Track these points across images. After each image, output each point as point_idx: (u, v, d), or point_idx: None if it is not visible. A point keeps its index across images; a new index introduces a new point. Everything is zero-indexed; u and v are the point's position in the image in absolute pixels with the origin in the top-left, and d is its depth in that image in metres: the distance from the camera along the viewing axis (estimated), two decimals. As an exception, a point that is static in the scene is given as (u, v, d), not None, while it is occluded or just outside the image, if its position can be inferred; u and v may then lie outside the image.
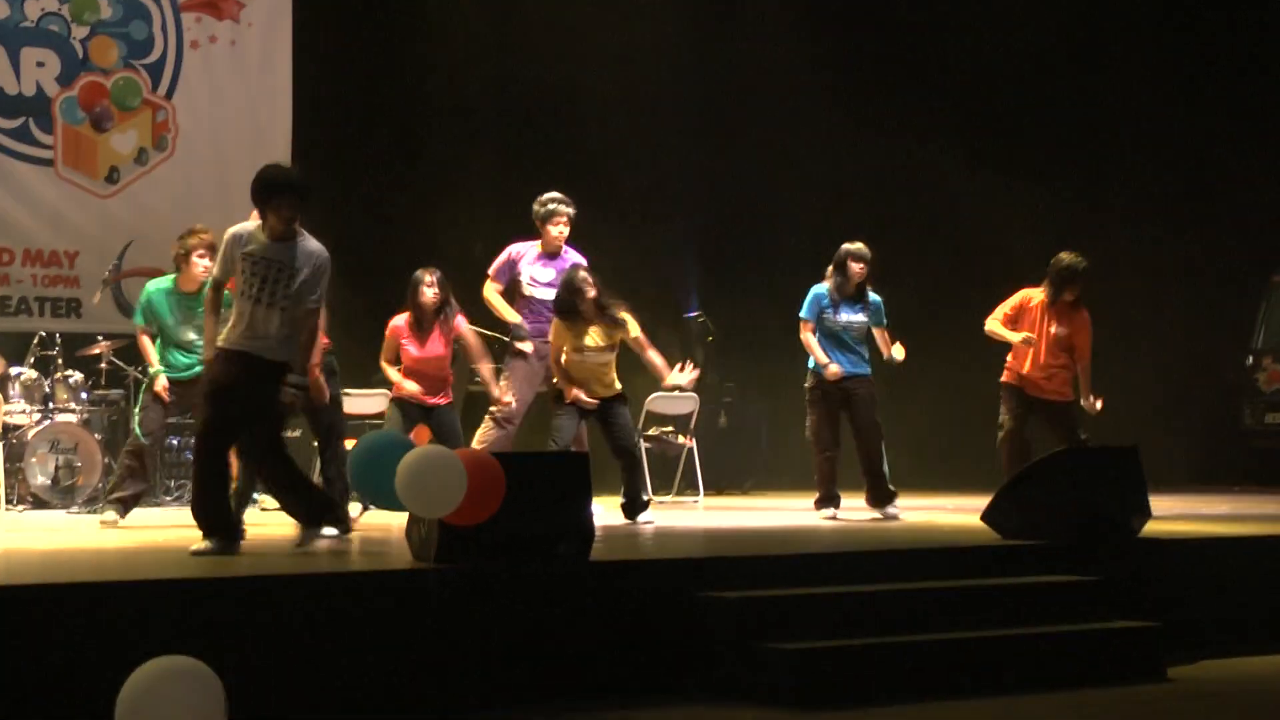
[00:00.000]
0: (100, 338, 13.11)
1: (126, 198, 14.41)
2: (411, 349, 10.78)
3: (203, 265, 10.39)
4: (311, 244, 8.61)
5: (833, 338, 11.46)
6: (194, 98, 14.65)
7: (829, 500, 11.51)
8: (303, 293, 8.48)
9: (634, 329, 10.77)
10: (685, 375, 10.84)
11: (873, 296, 11.57)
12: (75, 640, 6.48)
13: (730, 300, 16.30)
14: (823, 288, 11.52)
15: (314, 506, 8.76)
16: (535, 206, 11.26)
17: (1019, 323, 11.40)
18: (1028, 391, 11.41)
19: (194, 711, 5.25)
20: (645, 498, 11.04)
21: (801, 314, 11.54)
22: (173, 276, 10.74)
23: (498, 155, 15.57)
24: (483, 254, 11.94)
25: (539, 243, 11.27)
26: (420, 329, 10.77)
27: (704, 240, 16.56)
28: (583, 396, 10.64)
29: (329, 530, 9.24)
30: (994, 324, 11.47)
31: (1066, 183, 16.97)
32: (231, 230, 8.74)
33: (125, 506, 10.58)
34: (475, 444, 10.71)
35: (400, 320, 10.83)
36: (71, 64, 14.26)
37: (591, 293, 10.60)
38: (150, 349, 10.77)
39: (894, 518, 11.23)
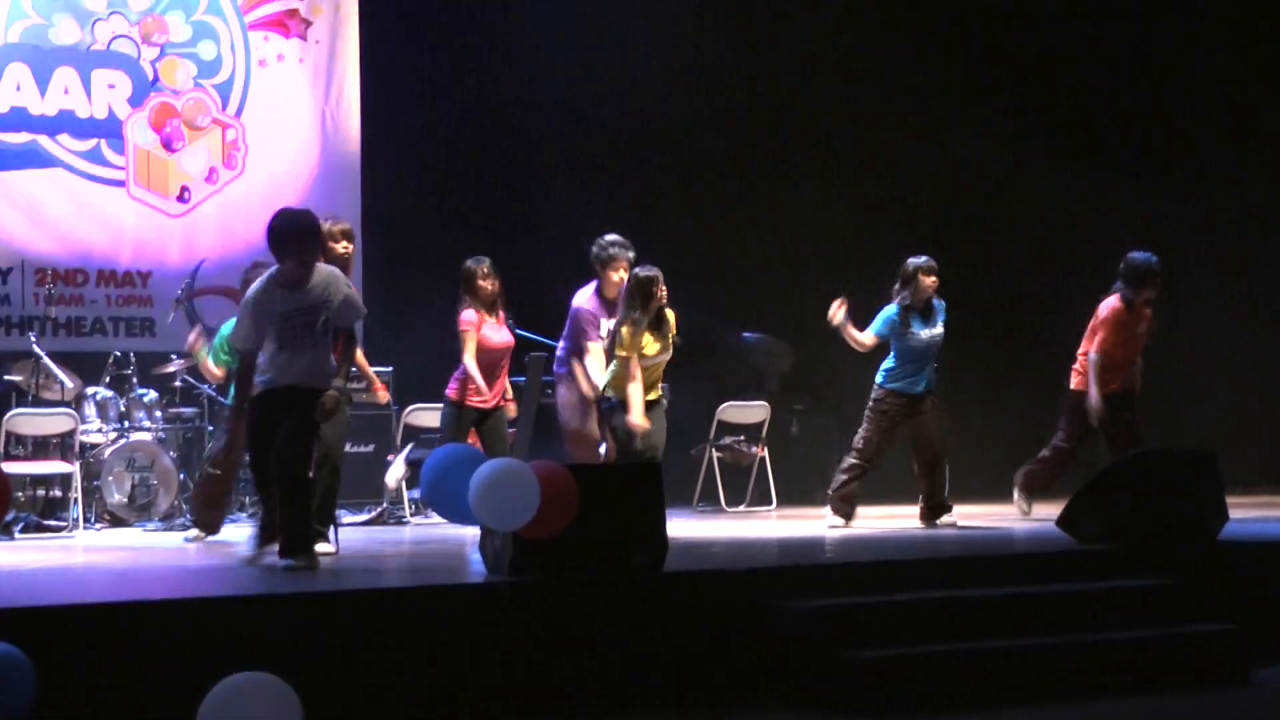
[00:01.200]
0: (174, 356, 13.19)
1: (198, 217, 14.50)
2: (492, 336, 10.63)
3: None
4: (323, 270, 8.68)
5: (916, 357, 11.25)
6: (263, 115, 14.72)
7: (845, 514, 11.38)
8: (348, 317, 8.67)
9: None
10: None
11: (938, 302, 11.40)
12: (153, 657, 6.52)
13: (801, 310, 16.24)
14: (893, 310, 11.28)
15: (296, 538, 8.57)
16: (594, 249, 10.90)
17: (1123, 335, 11.27)
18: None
19: None
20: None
21: (872, 329, 11.34)
22: None
23: (569, 171, 15.57)
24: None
25: (593, 289, 10.96)
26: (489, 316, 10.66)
27: (769, 254, 16.47)
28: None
29: (324, 547, 9.25)
30: (1094, 368, 11.24)
31: (1150, 181, 16.81)
32: (250, 296, 8.76)
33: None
34: None
35: (470, 313, 10.66)
36: (142, 85, 14.36)
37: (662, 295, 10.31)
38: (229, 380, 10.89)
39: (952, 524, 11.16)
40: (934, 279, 11.24)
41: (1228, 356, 16.30)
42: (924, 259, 11.28)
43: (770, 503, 13.68)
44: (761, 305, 15.93)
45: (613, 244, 10.82)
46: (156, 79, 14.42)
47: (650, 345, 10.27)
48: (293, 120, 14.81)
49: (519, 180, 15.44)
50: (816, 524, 11.80)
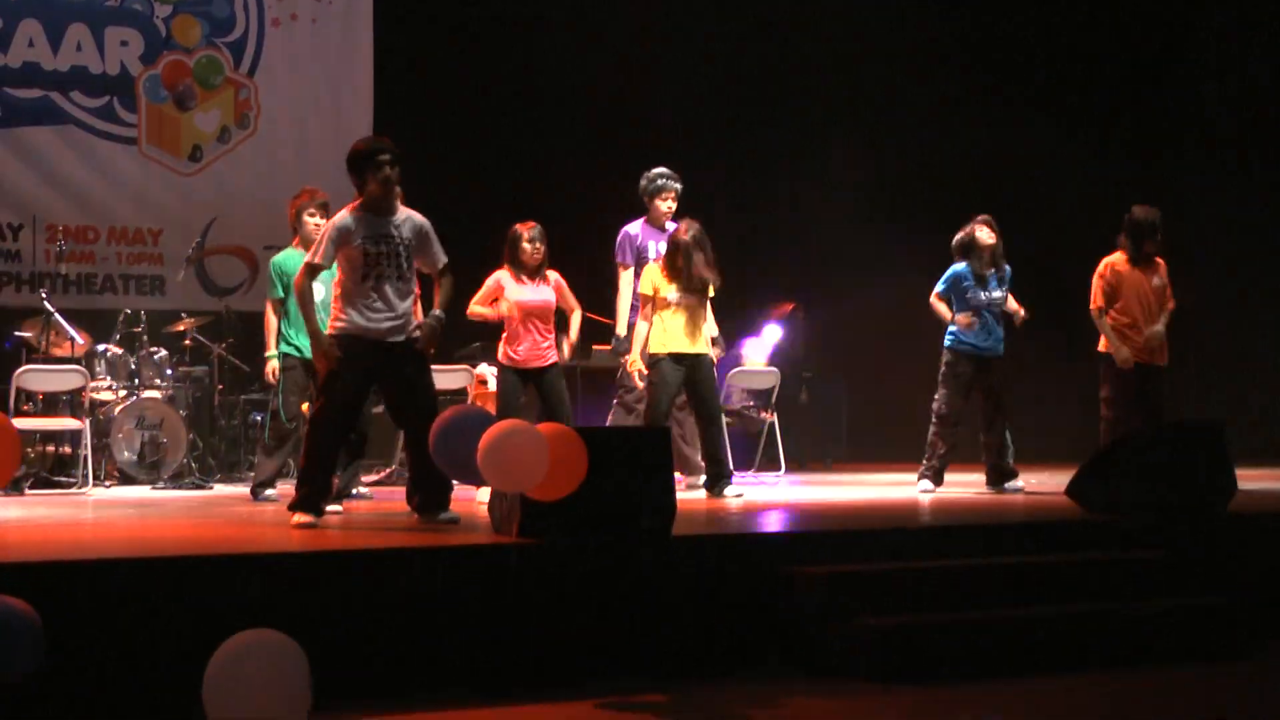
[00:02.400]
0: (184, 315, 13.22)
1: (209, 176, 14.51)
2: (525, 295, 10.61)
3: (312, 224, 10.43)
4: (407, 212, 8.74)
5: (977, 316, 11.28)
6: (276, 76, 14.72)
7: (934, 475, 11.38)
8: (433, 255, 8.73)
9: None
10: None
11: (1007, 268, 11.42)
12: (162, 614, 6.53)
13: (810, 281, 16.28)
14: (962, 266, 11.32)
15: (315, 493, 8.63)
16: (643, 181, 11.30)
17: (1120, 290, 11.25)
18: (1130, 357, 11.31)
19: (279, 684, 5.28)
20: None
21: (937, 288, 11.35)
22: (293, 247, 10.74)
23: (580, 135, 15.57)
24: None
25: (643, 220, 11.29)
26: (521, 278, 10.67)
27: (782, 224, 16.48)
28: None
29: (333, 506, 9.32)
30: (1104, 321, 11.29)
31: (1153, 145, 16.81)
32: (336, 218, 8.67)
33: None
34: None
35: (500, 274, 10.69)
36: (154, 43, 14.37)
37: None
38: (272, 331, 10.72)
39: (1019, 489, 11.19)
40: (991, 232, 11.26)
41: (1238, 328, 16.30)
42: (982, 216, 11.32)
43: (779, 468, 13.69)
44: (779, 273, 15.97)
45: (659, 174, 11.30)
46: (169, 36, 14.41)
47: (666, 288, 10.50)
48: (306, 80, 14.80)
49: (532, 148, 15.44)
50: (824, 489, 11.81)
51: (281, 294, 10.57)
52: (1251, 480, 10.01)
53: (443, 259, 8.79)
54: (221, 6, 14.56)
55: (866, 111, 16.51)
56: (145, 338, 12.83)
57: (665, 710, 6.78)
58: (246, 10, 14.63)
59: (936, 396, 11.37)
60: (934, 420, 11.36)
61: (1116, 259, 11.30)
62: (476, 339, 12.26)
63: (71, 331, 12.38)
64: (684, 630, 7.49)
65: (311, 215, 10.49)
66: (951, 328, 11.28)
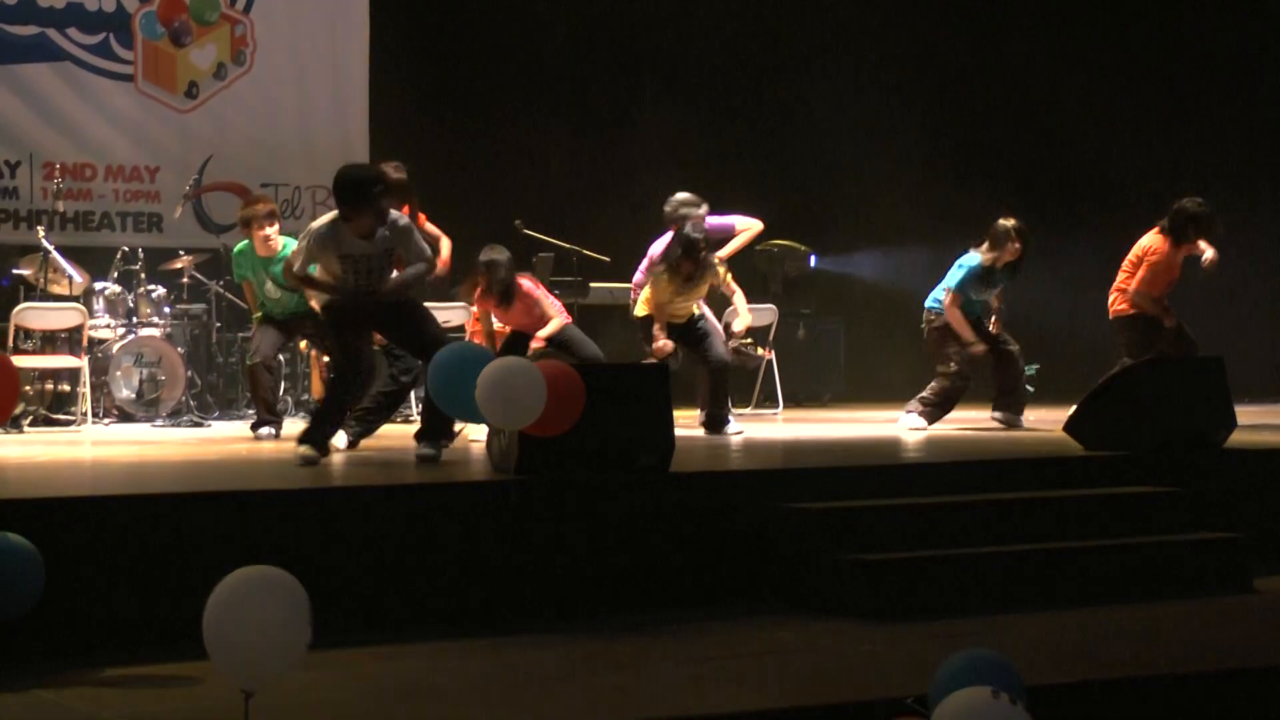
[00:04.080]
0: (181, 252, 13.20)
1: (206, 112, 14.47)
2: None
3: (264, 235, 10.83)
4: (392, 219, 8.81)
5: (973, 305, 11.37)
6: (272, 12, 14.66)
7: (930, 415, 11.42)
8: (410, 253, 8.89)
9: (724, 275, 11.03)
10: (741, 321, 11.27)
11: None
12: (162, 550, 6.56)
13: (810, 224, 16.29)
14: (976, 259, 11.31)
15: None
16: (666, 209, 11.55)
17: (1171, 274, 11.28)
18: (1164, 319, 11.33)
19: (280, 620, 5.29)
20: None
21: (952, 286, 11.32)
22: (246, 241, 11.14)
23: (580, 58, 15.55)
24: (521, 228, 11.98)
25: (667, 239, 11.43)
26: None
27: (786, 175, 16.47)
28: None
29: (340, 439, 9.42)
30: (1152, 304, 11.27)
31: (1160, 97, 16.79)
32: (315, 229, 8.77)
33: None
34: None
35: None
36: (151, -22, 14.30)
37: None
38: (251, 296, 11.23)
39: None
40: (1019, 246, 11.28)
41: (1238, 262, 16.28)
42: (1018, 224, 11.30)
43: (776, 405, 13.71)
44: (772, 211, 15.96)
45: (682, 201, 11.51)
46: (165, -28, 14.35)
47: (667, 291, 10.91)
48: (302, 17, 14.74)
49: (531, 93, 15.40)
50: (822, 426, 11.83)
51: (248, 276, 11.11)
52: (1248, 416, 10.01)
53: (422, 257, 8.96)
54: (217, -58, 14.51)
55: (892, 55, 16.46)
56: (143, 275, 12.81)
57: (660, 642, 6.80)
58: (243, -54, 14.58)
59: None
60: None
61: (1158, 243, 11.28)
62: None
63: (69, 269, 12.36)
64: (679, 566, 7.53)
65: (260, 229, 10.84)
66: (935, 302, 11.39)
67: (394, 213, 8.86)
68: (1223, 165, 16.30)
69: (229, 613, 5.24)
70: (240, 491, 7.19)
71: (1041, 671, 5.89)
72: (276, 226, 10.91)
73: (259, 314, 11.14)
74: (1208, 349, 10.40)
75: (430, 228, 10.77)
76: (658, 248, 11.50)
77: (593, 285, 13.35)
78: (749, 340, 13.78)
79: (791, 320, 14.84)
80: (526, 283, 10.73)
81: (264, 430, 10.69)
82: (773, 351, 13.73)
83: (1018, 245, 11.25)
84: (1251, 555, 8.13)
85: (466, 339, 11.24)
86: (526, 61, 15.47)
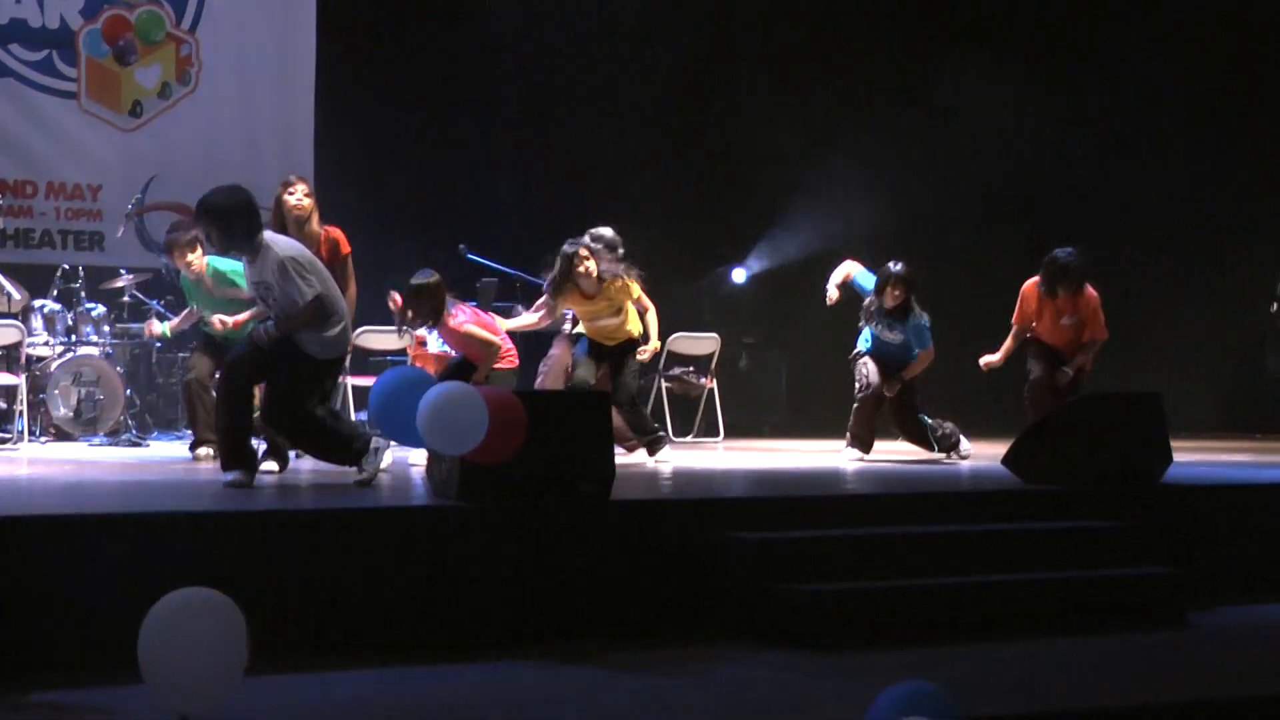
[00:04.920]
0: (123, 271, 13.16)
1: (150, 132, 14.45)
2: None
3: (186, 261, 10.51)
4: (270, 253, 8.49)
5: (874, 336, 11.40)
6: (218, 32, 14.66)
7: (860, 442, 11.42)
8: (292, 297, 8.47)
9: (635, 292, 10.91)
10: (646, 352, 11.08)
11: (917, 320, 11.35)
12: (98, 571, 6.53)
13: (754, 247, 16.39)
14: (869, 280, 11.41)
15: (356, 449, 8.71)
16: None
17: (1027, 318, 11.44)
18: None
19: (216, 642, 5.31)
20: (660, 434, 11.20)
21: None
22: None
23: (523, 115, 15.60)
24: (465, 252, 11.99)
25: None
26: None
27: (724, 199, 16.55)
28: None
29: (268, 465, 9.30)
30: (1011, 338, 11.52)
31: (1087, 128, 16.97)
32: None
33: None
34: None
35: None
36: (95, -4, 14.28)
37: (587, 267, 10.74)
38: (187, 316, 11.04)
39: (966, 457, 11.34)
40: (899, 291, 11.24)
41: (1175, 301, 16.47)
42: (897, 269, 11.25)
43: (718, 434, 13.76)
44: (720, 245, 16.08)
45: (594, 237, 11.18)
46: (110, -10, 14.32)
47: (574, 302, 10.85)
48: (248, 39, 14.75)
49: (477, 116, 15.44)
50: (763, 456, 11.88)
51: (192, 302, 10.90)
52: (1184, 452, 10.13)
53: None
54: (164, -40, 14.50)
55: (814, 83, 16.57)
56: (83, 294, 12.78)
57: (599, 670, 6.83)
58: (189, -34, 14.58)
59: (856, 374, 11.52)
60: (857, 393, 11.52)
61: (1031, 287, 11.48)
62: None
63: (8, 286, 12.29)
64: (622, 594, 7.55)
65: (182, 255, 10.57)
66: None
67: (269, 236, 8.61)
68: (1166, 204, 16.54)
69: (165, 636, 5.25)
70: (177, 512, 7.17)
71: (979, 703, 5.94)
72: (199, 251, 10.59)
73: (162, 330, 11.17)
74: (1147, 384, 10.49)
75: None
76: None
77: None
78: (690, 369, 13.84)
79: (734, 350, 14.91)
80: (462, 316, 10.54)
81: (202, 450, 10.63)
82: (714, 380, 13.78)
83: (896, 292, 11.24)
84: (1185, 590, 8.22)
85: (409, 363, 11.20)
86: (475, 84, 15.50)
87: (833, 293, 11.40)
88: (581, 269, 10.68)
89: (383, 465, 8.74)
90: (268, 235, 8.55)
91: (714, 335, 13.96)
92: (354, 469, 8.68)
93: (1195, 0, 16.93)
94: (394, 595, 7.09)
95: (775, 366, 15.80)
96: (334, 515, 7.40)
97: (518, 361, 10.62)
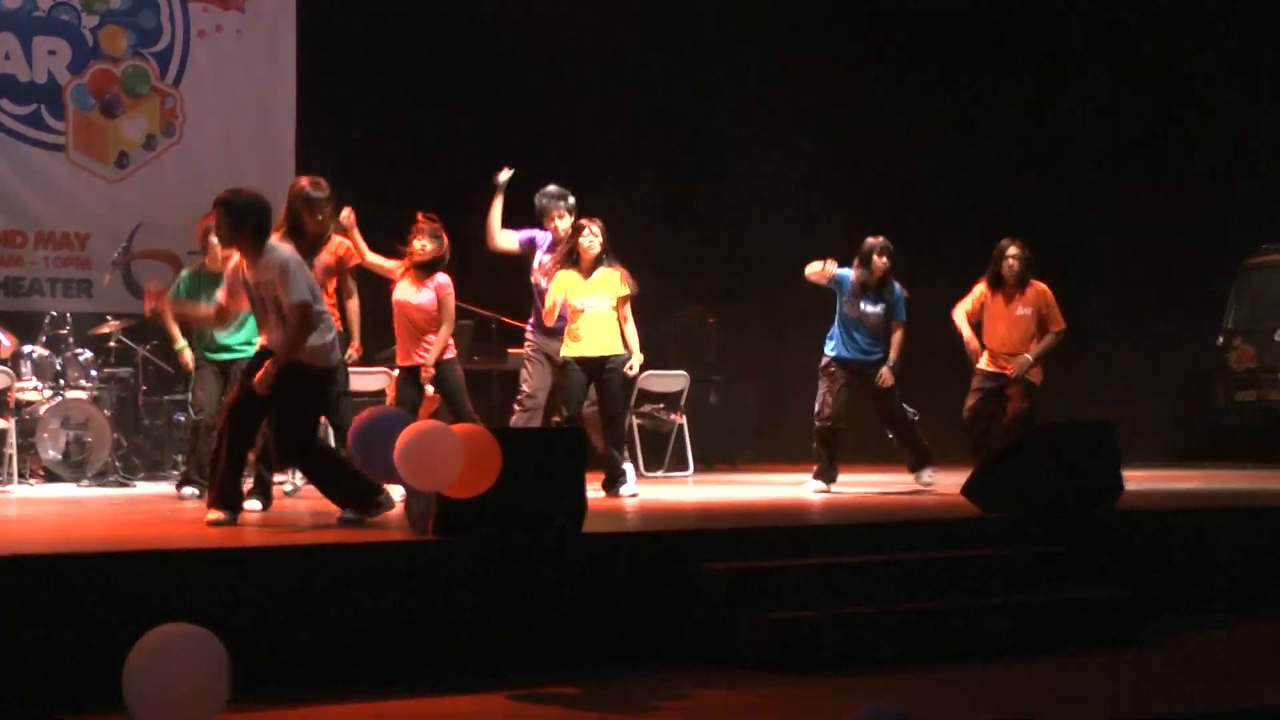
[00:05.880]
0: (109, 317, 13.30)
1: (136, 182, 14.65)
2: (407, 296, 10.82)
3: (214, 240, 10.49)
4: (274, 254, 8.72)
5: (847, 325, 11.64)
6: (202, 86, 14.89)
7: (823, 474, 11.67)
8: (290, 297, 8.65)
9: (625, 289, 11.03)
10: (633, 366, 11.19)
11: (895, 292, 11.70)
12: (84, 609, 6.63)
13: (722, 286, 16.56)
14: (849, 272, 11.66)
15: (356, 491, 8.81)
16: (536, 198, 11.58)
17: (982, 312, 11.82)
18: (994, 369, 11.82)
19: (198, 676, 5.40)
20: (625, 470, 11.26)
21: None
22: (202, 261, 11.00)
23: (503, 143, 15.74)
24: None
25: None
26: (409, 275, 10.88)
27: (698, 228, 16.74)
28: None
29: (251, 503, 9.44)
30: (959, 314, 11.89)
31: (1037, 166, 17.23)
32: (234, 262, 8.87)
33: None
34: None
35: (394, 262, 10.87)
36: (82, 52, 14.49)
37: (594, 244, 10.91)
38: (173, 325, 11.06)
39: (929, 485, 11.56)
40: (886, 260, 11.56)
41: (1124, 335, 16.69)
42: (881, 239, 11.62)
43: (687, 468, 13.96)
44: (691, 275, 16.22)
45: (545, 194, 11.51)
46: (96, 46, 14.55)
47: (564, 286, 10.92)
48: (231, 91, 14.97)
49: (455, 165, 15.58)
50: (731, 489, 12.02)
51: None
52: (1135, 481, 10.34)
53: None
54: (148, 18, 14.70)
55: (782, 119, 16.79)
56: (71, 339, 12.93)
57: (576, 701, 6.97)
58: (173, 21, 14.78)
59: (817, 396, 11.77)
60: (815, 418, 11.76)
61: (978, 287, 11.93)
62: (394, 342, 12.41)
63: (-2, 333, 12.48)
64: (595, 624, 7.68)
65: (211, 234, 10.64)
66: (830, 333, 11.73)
67: (272, 243, 8.80)
68: (1114, 239, 16.82)
69: (149, 670, 5.34)
70: (161, 550, 7.27)
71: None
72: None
73: (180, 345, 11.07)
74: (1099, 413, 10.72)
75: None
76: (540, 234, 11.57)
77: (511, 352, 13.49)
78: (660, 405, 14.05)
79: (703, 385, 15.07)
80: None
81: (187, 490, 10.81)
82: (683, 416, 13.99)
83: (883, 260, 11.55)
84: (1139, 612, 8.45)
85: (387, 404, 11.34)
86: (458, 123, 15.66)
87: (829, 267, 11.58)
88: (585, 241, 10.85)
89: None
90: (272, 242, 8.79)
91: (683, 373, 14.18)
92: (348, 509, 8.80)
93: (1147, 31, 17.20)
94: (373, 629, 7.18)
95: (747, 400, 15.97)
96: (313, 551, 7.50)
97: (456, 352, 10.81)
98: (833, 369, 11.65)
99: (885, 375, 11.59)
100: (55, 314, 13.17)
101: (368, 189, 14.94)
